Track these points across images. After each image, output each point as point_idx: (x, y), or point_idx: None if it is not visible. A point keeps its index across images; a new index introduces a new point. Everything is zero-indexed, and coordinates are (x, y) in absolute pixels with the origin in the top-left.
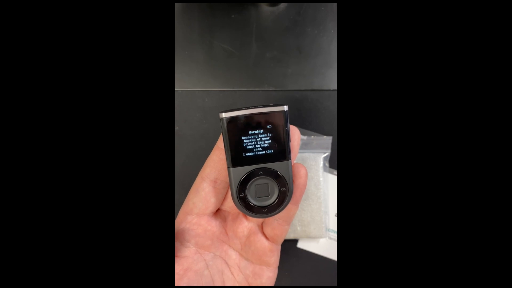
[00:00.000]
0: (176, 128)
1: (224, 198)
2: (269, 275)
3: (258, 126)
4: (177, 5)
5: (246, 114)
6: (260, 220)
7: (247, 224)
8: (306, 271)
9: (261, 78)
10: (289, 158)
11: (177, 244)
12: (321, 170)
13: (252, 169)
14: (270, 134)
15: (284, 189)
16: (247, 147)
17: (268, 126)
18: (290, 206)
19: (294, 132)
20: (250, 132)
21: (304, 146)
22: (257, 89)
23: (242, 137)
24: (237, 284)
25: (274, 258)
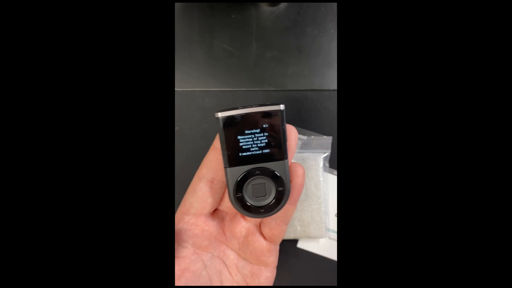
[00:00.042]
0: (176, 128)
1: (222, 198)
2: (268, 275)
3: (255, 125)
4: (177, 5)
5: (242, 114)
6: (258, 220)
7: (244, 224)
8: (306, 271)
9: (261, 78)
10: (286, 157)
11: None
12: (321, 170)
13: (249, 169)
14: (267, 134)
15: (281, 189)
16: (244, 147)
17: (264, 126)
18: (287, 206)
19: (291, 132)
20: (246, 132)
21: (304, 146)
22: (257, 89)
23: (239, 137)
24: (235, 284)
25: (272, 258)
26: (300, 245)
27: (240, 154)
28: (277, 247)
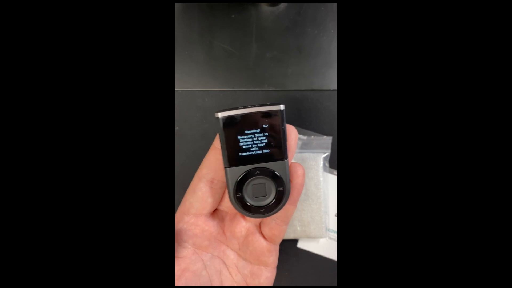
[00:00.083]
0: (176, 128)
1: (222, 198)
2: (268, 275)
3: (255, 125)
4: (177, 5)
5: (242, 114)
6: (258, 220)
7: (244, 224)
8: (306, 271)
9: (261, 78)
10: (286, 157)
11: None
12: (321, 170)
13: (249, 169)
14: (267, 134)
15: (281, 189)
16: (244, 147)
17: (264, 126)
18: (287, 206)
19: (291, 131)
20: (246, 132)
21: (304, 146)
22: (257, 89)
23: (239, 137)
24: (235, 284)
25: (272, 258)
26: (300, 245)
27: (240, 154)
28: (277, 247)
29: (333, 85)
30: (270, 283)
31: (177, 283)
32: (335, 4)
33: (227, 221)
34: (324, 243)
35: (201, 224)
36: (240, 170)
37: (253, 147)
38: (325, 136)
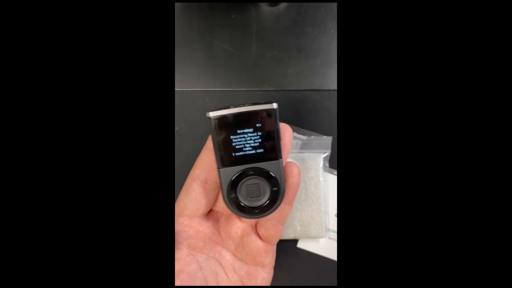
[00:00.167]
0: (176, 128)
1: (216, 199)
2: (264, 275)
3: (247, 124)
4: (177, 5)
5: (234, 113)
6: (253, 220)
7: (240, 225)
8: (306, 271)
9: (261, 78)
10: (280, 157)
11: None
12: (321, 170)
13: (242, 169)
14: (260, 133)
15: (276, 189)
16: (237, 147)
17: (257, 125)
18: (283, 206)
19: (286, 130)
20: (239, 131)
21: (304, 146)
22: (257, 89)
23: (231, 137)
24: (231, 285)
25: (269, 258)
26: (300, 245)
27: (233, 154)
28: (274, 248)
29: (333, 85)
30: (267, 284)
31: None
32: (335, 4)
33: (222, 222)
34: (324, 243)
35: (195, 225)
36: (234, 170)
37: (246, 147)
38: (325, 136)
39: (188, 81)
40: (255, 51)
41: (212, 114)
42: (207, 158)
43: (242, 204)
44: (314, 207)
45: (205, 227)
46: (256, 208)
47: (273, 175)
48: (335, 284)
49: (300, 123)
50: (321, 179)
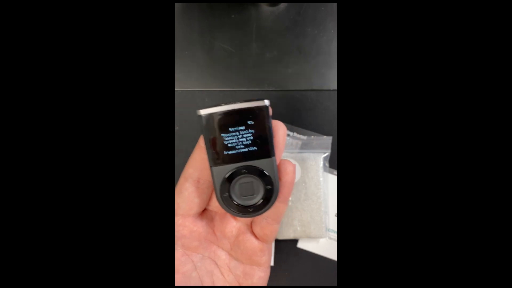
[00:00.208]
0: (176, 128)
1: (210, 198)
2: (261, 275)
3: (239, 122)
4: (177, 5)
5: (225, 111)
6: (248, 219)
7: (235, 224)
8: (306, 271)
9: (261, 78)
10: (273, 154)
11: None
12: (321, 170)
13: (235, 167)
14: (252, 131)
15: (269, 187)
16: (229, 145)
17: (249, 122)
18: (278, 204)
19: (279, 128)
20: (230, 129)
21: (304, 146)
22: (257, 89)
23: (223, 135)
24: (227, 285)
25: (265, 257)
26: (300, 245)
27: (225, 152)
28: (270, 246)
29: (333, 85)
30: (264, 283)
31: None
32: (335, 4)
33: (217, 221)
34: (324, 243)
35: (189, 225)
36: (226, 169)
37: (239, 145)
38: (325, 136)
39: (188, 81)
40: (255, 51)
41: (203, 112)
42: (199, 156)
43: (236, 203)
44: (314, 207)
45: (199, 227)
46: (250, 206)
47: (267, 173)
48: (335, 284)
49: (300, 123)
50: (321, 179)
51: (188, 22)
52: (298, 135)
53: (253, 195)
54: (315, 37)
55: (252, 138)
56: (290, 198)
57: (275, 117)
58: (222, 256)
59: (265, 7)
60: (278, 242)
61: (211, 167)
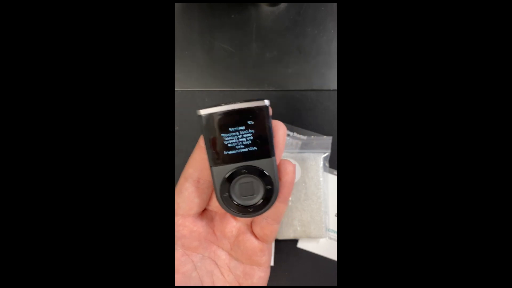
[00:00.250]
0: (176, 128)
1: (210, 198)
2: (261, 275)
3: (239, 122)
4: (177, 5)
5: (225, 111)
6: (248, 219)
7: (235, 224)
8: (306, 271)
9: (261, 78)
10: (273, 154)
11: None
12: (321, 170)
13: (235, 167)
14: (252, 131)
15: (269, 187)
16: (229, 145)
17: (249, 122)
18: (278, 204)
19: (279, 128)
20: (230, 129)
21: (304, 146)
22: (257, 89)
23: (223, 135)
24: (227, 285)
25: (265, 257)
26: (300, 245)
27: (225, 152)
28: (270, 246)
29: (333, 85)
30: (264, 283)
31: None
32: (335, 4)
33: (217, 221)
34: (324, 243)
35: (189, 225)
36: (226, 169)
37: (239, 145)
38: (325, 136)
39: (188, 81)
40: (255, 51)
41: (203, 112)
42: (199, 156)
43: (236, 203)
44: (314, 207)
45: (199, 227)
46: (250, 207)
47: (267, 173)
48: (335, 284)
49: (300, 123)
50: (321, 179)
51: (188, 22)
52: (298, 135)
53: (253, 195)
54: (315, 37)
55: (252, 138)
56: (290, 198)
57: (275, 117)
58: (222, 256)
59: (265, 7)
60: (278, 242)
61: (211, 167)
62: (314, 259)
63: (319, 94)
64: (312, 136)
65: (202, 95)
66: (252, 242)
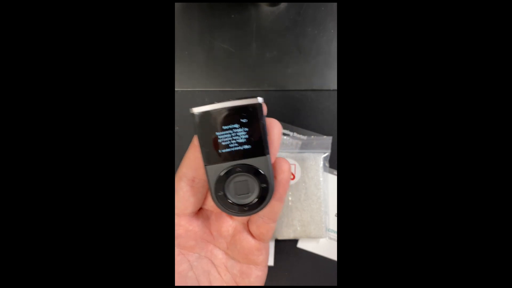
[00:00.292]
0: (176, 128)
1: (206, 197)
2: (258, 274)
3: (232, 120)
4: (177, 5)
5: (218, 109)
6: (244, 218)
7: (231, 223)
8: (306, 271)
9: (261, 78)
10: (268, 153)
11: None
12: (321, 170)
13: (229, 166)
14: (246, 129)
15: (264, 185)
16: (223, 143)
17: (242, 120)
18: (273, 203)
19: (274, 126)
20: (224, 127)
21: (304, 146)
22: (257, 89)
23: (216, 133)
24: (224, 285)
25: (262, 256)
26: (300, 245)
27: (219, 151)
28: (267, 245)
29: (333, 85)
30: (261, 283)
31: None
32: (335, 4)
33: (213, 220)
34: (324, 243)
35: (184, 224)
36: (220, 167)
37: (232, 143)
38: (325, 136)
39: (188, 81)
40: (255, 51)
41: (196, 110)
42: (193, 155)
43: (231, 202)
44: (314, 207)
45: (195, 226)
46: (245, 205)
47: (261, 171)
48: (335, 284)
49: (300, 123)
50: (321, 179)
51: (188, 22)
52: (298, 135)
53: (248, 193)
54: (315, 37)
55: (246, 136)
56: (290, 198)
57: (276, 116)
58: (219, 255)
59: (265, 7)
60: (278, 242)
61: (205, 165)
62: (314, 259)
63: (319, 94)
64: (312, 136)
65: (202, 95)
66: (248, 241)
